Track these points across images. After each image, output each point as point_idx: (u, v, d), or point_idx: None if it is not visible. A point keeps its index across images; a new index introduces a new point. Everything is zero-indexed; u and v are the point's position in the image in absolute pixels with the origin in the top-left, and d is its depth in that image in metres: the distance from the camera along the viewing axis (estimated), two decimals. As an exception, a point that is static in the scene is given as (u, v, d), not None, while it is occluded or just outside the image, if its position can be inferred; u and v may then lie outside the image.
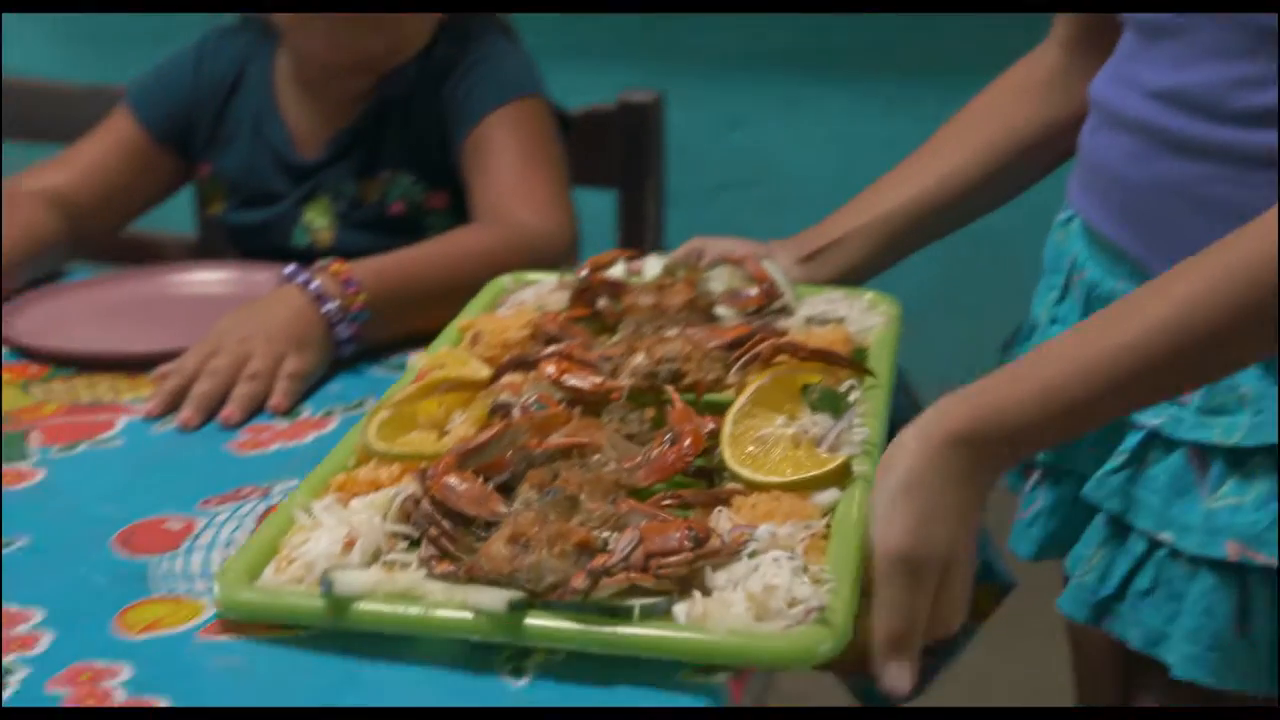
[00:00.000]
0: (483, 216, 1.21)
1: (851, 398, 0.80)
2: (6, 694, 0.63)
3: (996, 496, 0.74)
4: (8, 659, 0.66)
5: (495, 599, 0.63)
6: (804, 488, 0.72)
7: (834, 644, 0.61)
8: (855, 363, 0.84)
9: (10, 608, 0.71)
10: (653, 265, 1.02)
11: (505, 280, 1.06)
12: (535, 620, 0.63)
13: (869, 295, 0.98)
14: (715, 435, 0.76)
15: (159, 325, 1.13)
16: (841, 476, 0.73)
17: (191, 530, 0.79)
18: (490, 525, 0.69)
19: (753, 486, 0.73)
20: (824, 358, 0.83)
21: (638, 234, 1.45)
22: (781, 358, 0.83)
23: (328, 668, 0.65)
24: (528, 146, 1.24)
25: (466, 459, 0.74)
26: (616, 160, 1.44)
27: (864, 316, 0.95)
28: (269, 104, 1.31)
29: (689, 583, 0.65)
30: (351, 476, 0.76)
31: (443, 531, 0.70)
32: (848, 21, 2.40)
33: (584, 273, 0.98)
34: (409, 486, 0.73)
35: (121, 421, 0.96)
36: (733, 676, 0.63)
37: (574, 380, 0.83)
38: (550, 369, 0.84)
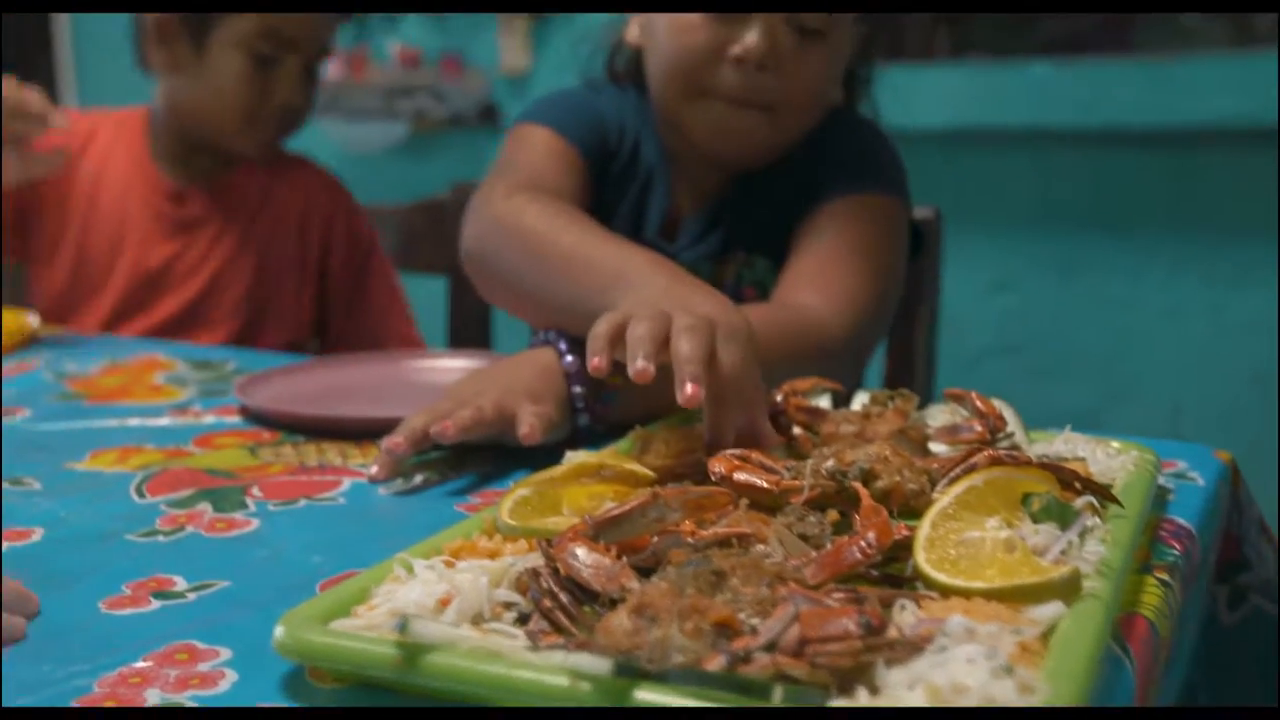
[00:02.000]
0: (772, 297, 1.12)
1: (1088, 522, 0.64)
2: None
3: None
4: (184, 695, 0.56)
5: (599, 662, 0.50)
6: (1017, 598, 0.56)
7: (1042, 765, 0.44)
8: (1096, 484, 0.68)
9: (196, 644, 0.62)
10: (861, 398, 0.89)
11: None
12: (649, 694, 0.49)
13: (1117, 443, 0.82)
14: (910, 546, 0.62)
15: (398, 402, 1.07)
16: (1069, 591, 0.56)
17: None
18: (618, 605, 0.56)
19: (950, 593, 0.58)
20: (1057, 471, 0.67)
21: (908, 361, 1.32)
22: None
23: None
24: (855, 239, 1.14)
25: (601, 529, 0.62)
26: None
27: (1110, 460, 0.78)
28: (663, 167, 1.26)
29: (854, 679, 0.50)
30: (470, 544, 0.65)
31: (558, 604, 0.57)
32: (1128, 174, 2.27)
33: (779, 396, 0.86)
34: (532, 558, 0.62)
35: (346, 483, 0.89)
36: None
37: (745, 476, 0.70)
38: (720, 467, 0.72)
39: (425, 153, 3.15)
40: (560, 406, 0.93)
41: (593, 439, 0.93)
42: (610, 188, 1.25)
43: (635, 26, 1.25)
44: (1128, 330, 2.34)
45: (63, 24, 4.57)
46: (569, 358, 0.95)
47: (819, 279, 1.11)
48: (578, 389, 0.94)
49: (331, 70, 3.29)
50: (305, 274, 1.67)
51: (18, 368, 1.28)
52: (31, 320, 1.42)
